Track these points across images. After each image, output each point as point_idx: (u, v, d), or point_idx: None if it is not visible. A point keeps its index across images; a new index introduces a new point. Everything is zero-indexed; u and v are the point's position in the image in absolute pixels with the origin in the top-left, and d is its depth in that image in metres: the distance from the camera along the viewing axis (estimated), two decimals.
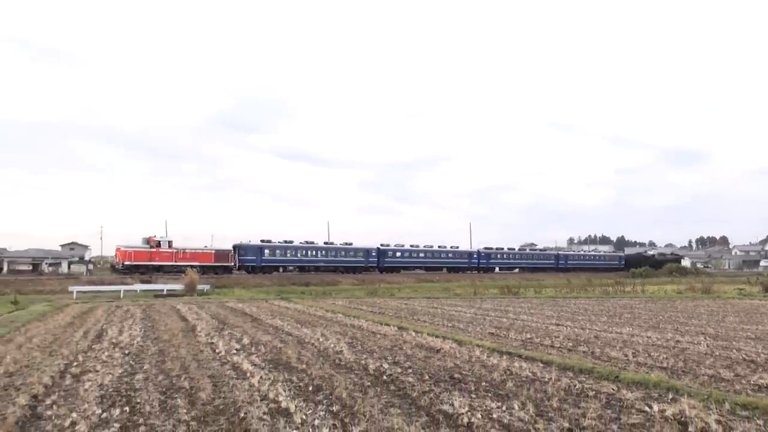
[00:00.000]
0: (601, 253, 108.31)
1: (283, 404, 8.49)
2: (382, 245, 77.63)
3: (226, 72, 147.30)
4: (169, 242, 59.42)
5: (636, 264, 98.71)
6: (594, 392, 9.53)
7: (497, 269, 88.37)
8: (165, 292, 43.15)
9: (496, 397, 9.22)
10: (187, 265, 55.46)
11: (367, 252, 75.02)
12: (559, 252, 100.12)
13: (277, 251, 67.31)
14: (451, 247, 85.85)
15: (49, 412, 8.28)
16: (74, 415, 8.02)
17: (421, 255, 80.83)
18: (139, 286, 45.41)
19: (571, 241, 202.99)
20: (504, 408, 8.42)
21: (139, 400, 8.99)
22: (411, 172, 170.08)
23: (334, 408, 8.48)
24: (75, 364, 12.28)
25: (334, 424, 7.57)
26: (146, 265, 56.87)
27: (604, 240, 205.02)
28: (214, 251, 62.17)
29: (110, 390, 9.72)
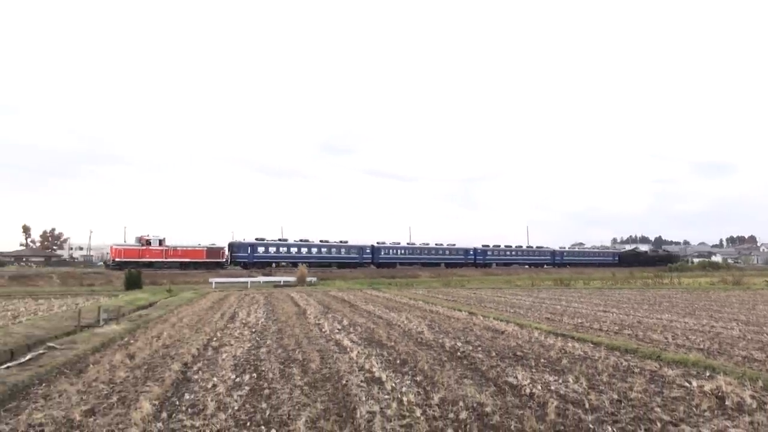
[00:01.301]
0: (596, 250, 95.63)
1: (376, 374, 8.51)
2: (378, 242, 69.31)
3: (326, 107, 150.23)
4: (160, 240, 53.29)
5: (629, 261, 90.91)
6: (639, 369, 9.07)
7: (494, 265, 77.70)
8: (282, 283, 44.21)
9: (553, 371, 8.92)
10: (178, 262, 52.74)
11: (361, 249, 67.14)
12: (555, 249, 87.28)
13: (270, 248, 60.73)
14: (449, 245, 76.26)
15: (195, 376, 8.61)
16: (215, 379, 8.31)
17: (417, 252, 72.27)
18: (262, 278, 46.71)
19: (614, 241, 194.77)
20: (560, 381, 8.14)
21: (263, 369, 9.21)
22: (479, 184, 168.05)
23: (418, 378, 8.43)
24: (214, 339, 12.73)
25: (418, 391, 7.52)
26: (136, 261, 50.82)
27: (644, 240, 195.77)
28: (205, 248, 55.92)
29: (241, 360, 10.01)
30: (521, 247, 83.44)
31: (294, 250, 62.41)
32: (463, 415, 6.37)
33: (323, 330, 14.19)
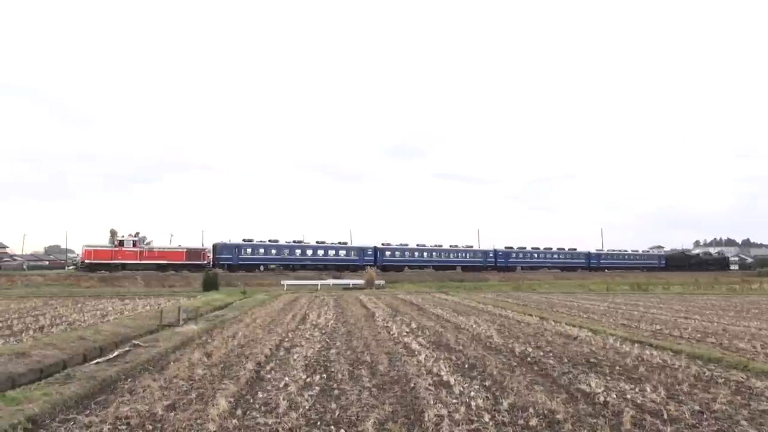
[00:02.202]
0: (640, 252, 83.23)
1: (445, 378, 8.47)
2: (383, 244, 64.52)
3: (395, 110, 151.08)
4: (134, 241, 50.08)
5: (679, 264, 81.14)
6: (723, 379, 8.58)
7: (519, 269, 70.78)
8: (351, 286, 44.80)
9: (629, 380, 8.58)
10: (155, 264, 49.94)
11: (362, 251, 62.17)
12: (590, 251, 77.56)
13: (258, 250, 56.97)
14: (465, 246, 69.92)
15: (268, 376, 8.88)
16: (287, 378, 8.54)
17: (425, 254, 65.94)
18: (331, 281, 47.55)
19: (696, 243, 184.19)
20: (637, 390, 7.82)
21: (333, 370, 9.37)
22: (551, 185, 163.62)
23: (487, 383, 8.34)
24: (286, 340, 13.06)
25: (486, 396, 7.44)
26: (108, 263, 48.32)
27: (730, 242, 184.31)
28: (185, 250, 52.87)
29: (312, 360, 10.22)
30: (551, 249, 74.83)
31: (286, 251, 58.25)
32: (534, 421, 6.25)
33: (391, 333, 14.26)
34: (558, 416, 6.46)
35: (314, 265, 58.29)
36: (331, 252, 60.65)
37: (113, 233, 49.61)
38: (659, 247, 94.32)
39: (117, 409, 6.72)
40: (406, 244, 66.08)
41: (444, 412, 6.57)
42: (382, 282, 46.95)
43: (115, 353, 10.84)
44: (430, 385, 8.04)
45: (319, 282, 45.99)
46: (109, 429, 6.02)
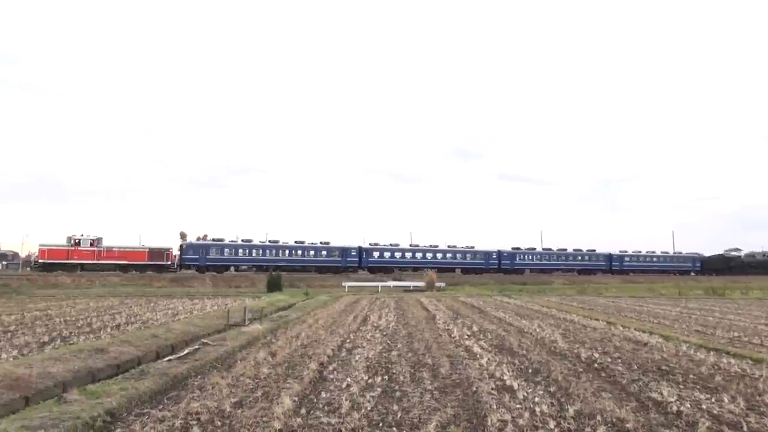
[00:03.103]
0: (670, 254, 75.94)
1: (508, 382, 8.34)
2: (371, 244, 61.47)
3: (458, 111, 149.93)
4: (92, 241, 48.35)
5: (717, 267, 73.37)
6: None
7: (528, 271, 65.59)
8: (411, 288, 44.86)
9: (704, 389, 8.17)
10: (114, 264, 48.63)
11: (344, 251, 58.49)
12: (612, 253, 71.23)
13: (226, 250, 54.43)
14: (467, 247, 65.46)
15: (331, 376, 9.00)
16: (349, 379, 8.63)
17: (419, 255, 61.85)
18: (392, 283, 47.78)
19: None
20: (713, 400, 7.44)
21: (394, 371, 9.40)
22: (619, 185, 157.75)
23: (551, 389, 8.14)
24: (348, 341, 13.20)
25: (551, 402, 7.26)
26: (64, 263, 47.02)
27: None
28: (147, 250, 51.02)
29: (373, 362, 10.28)
30: (565, 249, 69.30)
31: (258, 252, 55.56)
32: (601, 430, 6.05)
33: (452, 335, 14.17)
34: (628, 425, 6.23)
35: (291, 266, 55.16)
36: (311, 252, 57.32)
37: (69, 239, 48.50)
38: (737, 249, 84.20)
39: (188, 405, 6.99)
40: (397, 244, 62.55)
41: (507, 417, 6.47)
42: (443, 284, 46.75)
43: (186, 351, 11.27)
44: (492, 389, 7.93)
45: (379, 284, 46.33)
46: (180, 424, 6.26)
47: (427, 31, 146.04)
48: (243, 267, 55.63)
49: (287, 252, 56.37)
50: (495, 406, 6.93)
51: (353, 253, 59.05)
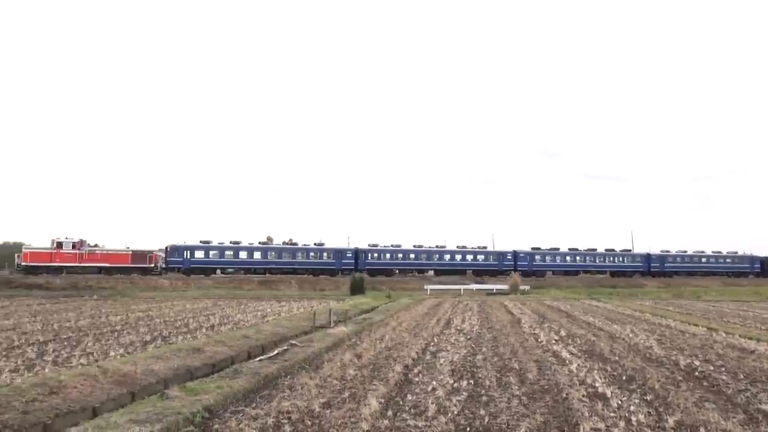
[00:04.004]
0: (723, 254, 66.09)
1: (600, 389, 8.02)
2: (370, 245, 57.15)
3: (542, 110, 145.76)
4: (74, 243, 47.68)
5: None
6: None
7: (550, 274, 59.44)
8: (494, 291, 44.13)
9: None
10: (97, 266, 47.99)
11: (339, 253, 55.22)
12: (651, 252, 63.36)
13: (212, 252, 51.88)
14: (479, 247, 60.26)
15: (416, 379, 9.02)
16: (434, 382, 8.61)
17: (424, 257, 57.28)
18: (474, 286, 47.15)
19: None
20: None
21: (480, 376, 9.29)
22: (715, 183, 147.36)
23: (648, 397, 7.75)
24: (432, 344, 13.17)
25: (648, 412, 6.92)
26: (47, 266, 46.78)
27: None
28: (131, 252, 49.99)
29: (458, 366, 10.20)
30: (594, 249, 62.16)
31: (244, 254, 52.92)
32: None
33: (539, 340, 13.81)
34: None
35: (280, 269, 53.00)
36: (300, 255, 54.52)
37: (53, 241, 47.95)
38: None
39: (279, 404, 7.24)
40: (399, 245, 57.90)
41: (601, 426, 6.22)
42: (527, 287, 45.66)
43: (275, 352, 11.67)
44: (584, 396, 7.65)
45: (462, 286, 45.92)
46: (273, 422, 6.49)
47: (507, 28, 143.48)
48: (230, 270, 53.87)
49: (277, 254, 53.65)
50: (587, 414, 6.69)
51: (349, 255, 55.71)
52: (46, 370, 9.25)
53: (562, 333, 15.36)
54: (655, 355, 11.44)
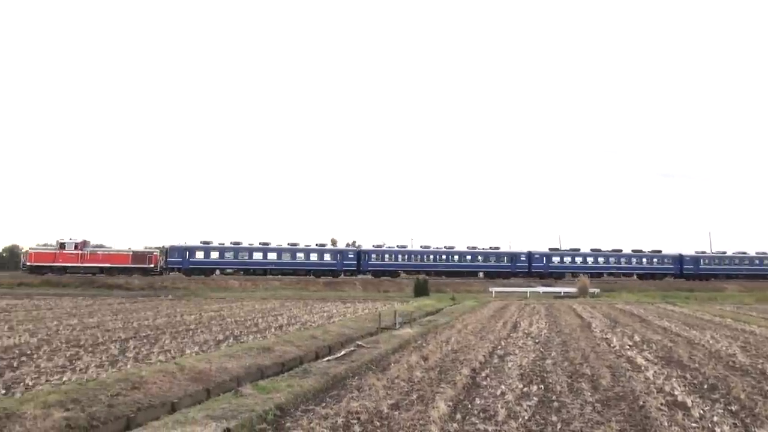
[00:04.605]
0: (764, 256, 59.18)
1: (679, 398, 7.65)
2: (375, 246, 55.85)
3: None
4: (77, 244, 48.63)
5: None
6: None
7: (570, 275, 55.11)
8: (562, 294, 42.98)
9: None
10: (98, 267, 48.71)
11: (341, 254, 54.23)
12: (685, 254, 58.44)
13: (212, 253, 51.68)
14: (491, 248, 57.44)
15: (484, 382, 8.91)
16: (502, 386, 8.48)
17: (430, 258, 55.30)
18: (541, 288, 46.11)
19: None
20: None
21: (550, 381, 9.07)
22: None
23: (733, 408, 7.34)
24: (499, 347, 12.98)
25: (734, 423, 6.55)
26: (50, 266, 47.84)
27: None
28: (131, 253, 50.51)
29: (527, 370, 10.00)
30: (620, 251, 58.41)
31: (245, 255, 52.43)
32: None
33: (612, 345, 13.34)
34: None
35: (280, 270, 52.35)
36: (300, 255, 53.52)
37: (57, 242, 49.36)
38: None
39: (348, 404, 7.32)
40: (405, 246, 56.54)
41: None
42: (597, 290, 44.20)
43: (342, 352, 11.83)
44: (662, 404, 7.33)
45: (528, 289, 44.99)
46: (342, 422, 6.57)
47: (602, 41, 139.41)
48: (228, 270, 53.51)
49: (277, 255, 52.99)
50: (666, 424, 6.40)
51: (351, 256, 54.44)
52: (128, 366, 9.76)
53: (636, 338, 14.77)
54: (739, 363, 10.82)
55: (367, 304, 29.07)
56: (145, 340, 13.34)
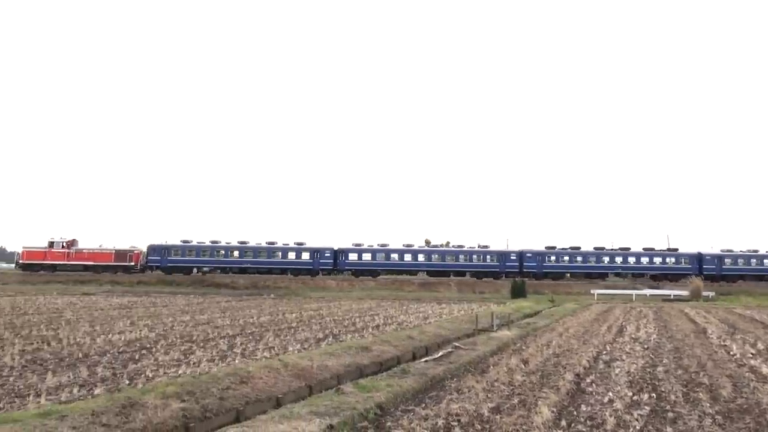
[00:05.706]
0: None
1: None
2: (354, 244, 53.78)
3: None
4: (64, 243, 50.32)
5: None
6: None
7: (569, 276, 51.78)
8: (671, 297, 40.39)
9: None
10: (83, 264, 49.90)
11: (317, 253, 52.45)
12: (704, 252, 52.63)
13: (188, 252, 52.11)
14: (480, 247, 53.98)
15: (589, 389, 8.53)
16: (610, 393, 8.08)
17: (407, 257, 52.72)
18: (648, 291, 43.58)
19: None
20: None
21: (663, 389, 8.52)
22: None
23: None
24: (604, 352, 12.38)
25: None
26: (41, 264, 49.92)
27: None
28: (114, 251, 51.60)
29: (636, 377, 9.48)
30: (628, 249, 53.44)
31: (222, 253, 52.86)
32: None
33: (731, 353, 12.34)
34: None
35: (256, 268, 52.00)
36: (278, 254, 53.09)
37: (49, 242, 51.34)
38: None
39: (448, 406, 7.26)
40: (386, 244, 53.69)
41: None
42: (712, 293, 41.14)
43: (440, 353, 11.77)
44: None
45: (634, 291, 42.69)
46: (443, 423, 6.53)
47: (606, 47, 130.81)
48: (205, 269, 53.83)
49: (254, 253, 53.05)
50: None
51: (327, 255, 53.15)
52: (236, 361, 10.28)
53: (760, 346, 13.56)
54: None
55: (463, 305, 28.82)
56: (250, 337, 13.99)
